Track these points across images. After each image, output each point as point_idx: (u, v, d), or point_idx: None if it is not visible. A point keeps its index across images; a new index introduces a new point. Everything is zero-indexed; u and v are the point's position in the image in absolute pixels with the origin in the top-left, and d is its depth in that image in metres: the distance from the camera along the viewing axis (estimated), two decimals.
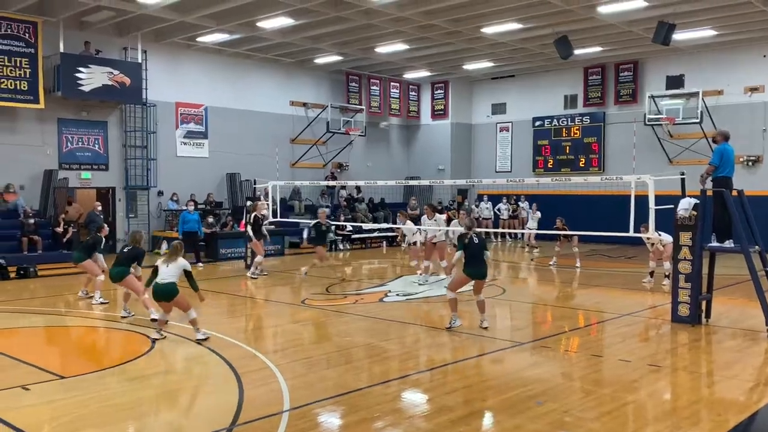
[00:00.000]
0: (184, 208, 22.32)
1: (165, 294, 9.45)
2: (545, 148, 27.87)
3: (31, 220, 18.13)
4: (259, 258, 16.85)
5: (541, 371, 8.22)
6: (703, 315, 11.04)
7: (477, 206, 27.67)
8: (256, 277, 16.43)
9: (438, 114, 30.15)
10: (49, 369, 8.13)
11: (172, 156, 22.94)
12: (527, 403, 6.87)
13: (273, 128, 25.46)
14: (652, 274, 15.36)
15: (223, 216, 22.76)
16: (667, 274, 14.81)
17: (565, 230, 17.73)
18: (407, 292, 14.20)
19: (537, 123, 28.08)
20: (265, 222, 19.20)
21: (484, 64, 26.58)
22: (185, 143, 23.39)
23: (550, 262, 18.87)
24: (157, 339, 9.57)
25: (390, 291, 14.33)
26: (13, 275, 16.26)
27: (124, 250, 11.37)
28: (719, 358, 9.11)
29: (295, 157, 26.29)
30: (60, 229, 18.96)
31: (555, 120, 27.61)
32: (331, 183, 25.00)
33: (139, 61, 21.50)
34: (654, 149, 24.53)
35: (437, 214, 15.59)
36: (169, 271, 9.47)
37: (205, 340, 9.48)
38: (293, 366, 8.32)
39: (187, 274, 9.58)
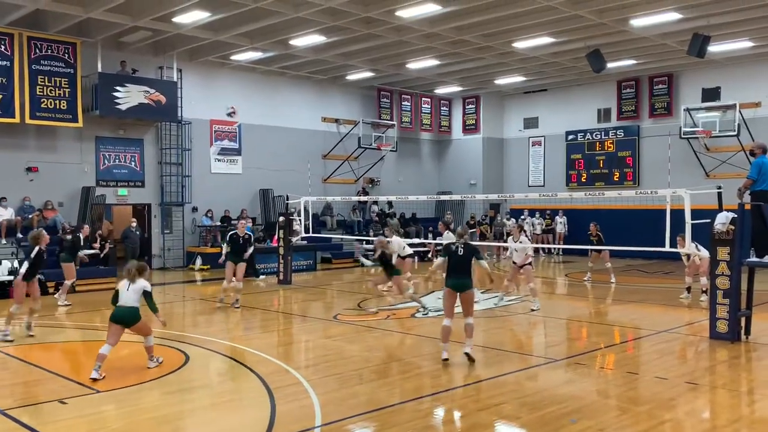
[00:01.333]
0: (218, 224, 22.59)
1: (127, 319, 8.66)
2: (578, 162, 27.63)
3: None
4: (225, 284, 14.45)
5: (575, 388, 8.10)
6: (743, 331, 10.80)
7: (509, 220, 27.48)
8: (237, 307, 14.17)
9: (469, 129, 30.11)
10: (86, 383, 8.25)
11: (206, 172, 23.23)
12: (562, 421, 6.78)
13: (305, 144, 25.66)
14: (689, 289, 15.09)
15: (255, 231, 22.93)
16: (704, 289, 14.55)
17: (599, 237, 17.54)
18: (439, 307, 14.09)
19: (570, 137, 27.88)
20: (297, 238, 19.37)
21: (516, 79, 26.51)
22: (219, 159, 23.68)
23: (584, 278, 18.67)
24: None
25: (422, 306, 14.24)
26: (51, 290, 16.57)
27: (31, 255, 11.18)
28: (760, 375, 8.89)
29: (327, 172, 26.45)
30: (97, 245, 19.28)
31: (588, 134, 27.38)
32: (363, 198, 25.07)
33: (175, 79, 21.88)
34: (690, 163, 24.16)
35: (447, 231, 15.82)
36: (130, 295, 8.73)
37: (159, 365, 9.00)
38: (325, 381, 8.32)
39: (147, 294, 8.84)
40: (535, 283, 14.51)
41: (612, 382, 8.47)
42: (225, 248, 14.60)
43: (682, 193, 11.17)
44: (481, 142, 29.75)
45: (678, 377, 8.52)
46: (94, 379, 8.25)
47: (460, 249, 9.27)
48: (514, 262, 14.48)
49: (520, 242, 14.17)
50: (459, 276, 9.18)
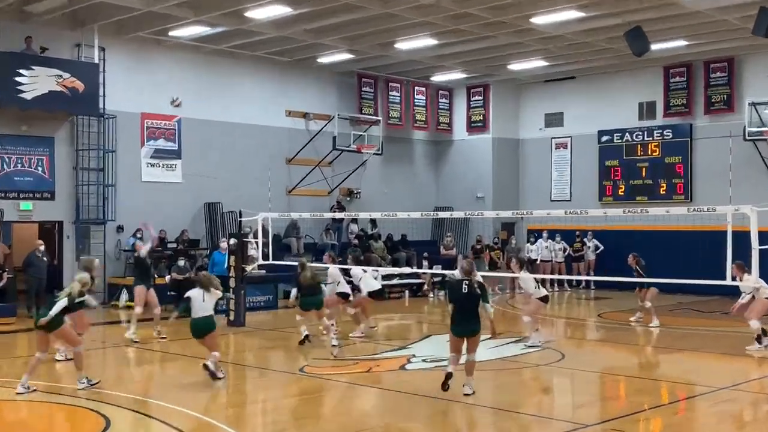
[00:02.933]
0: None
1: (204, 328, 11.69)
2: (615, 171, 27.74)
3: None
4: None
5: None
6: None
7: (533, 244, 27.44)
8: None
9: (475, 127, 30.21)
10: None
11: (135, 181, 23.07)
12: None
13: (264, 145, 25.57)
14: (759, 337, 15.05)
15: (199, 258, 22.80)
16: (756, 335, 14.66)
17: (639, 272, 17.67)
18: (437, 356, 14.06)
19: (604, 138, 28.04)
20: (253, 266, 19.30)
21: (535, 64, 26.66)
22: (152, 164, 23.58)
23: (632, 318, 18.74)
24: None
25: (414, 355, 14.25)
26: None
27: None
28: None
29: (292, 181, 26.40)
30: None
31: (627, 134, 27.51)
32: (339, 215, 25.01)
33: (96, 61, 21.74)
34: (757, 171, 24.37)
35: (333, 265, 16.99)
36: (206, 305, 11.72)
37: (222, 378, 11.79)
38: None
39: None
40: (536, 317, 15.25)
41: None
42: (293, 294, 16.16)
43: (746, 210, 11.26)
44: (490, 143, 29.81)
45: None
46: (218, 378, 11.61)
47: (465, 287, 9.96)
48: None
49: (522, 277, 15.29)
50: (466, 321, 10.07)
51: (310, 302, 15.30)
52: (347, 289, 16.99)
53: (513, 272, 15.64)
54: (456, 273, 17.45)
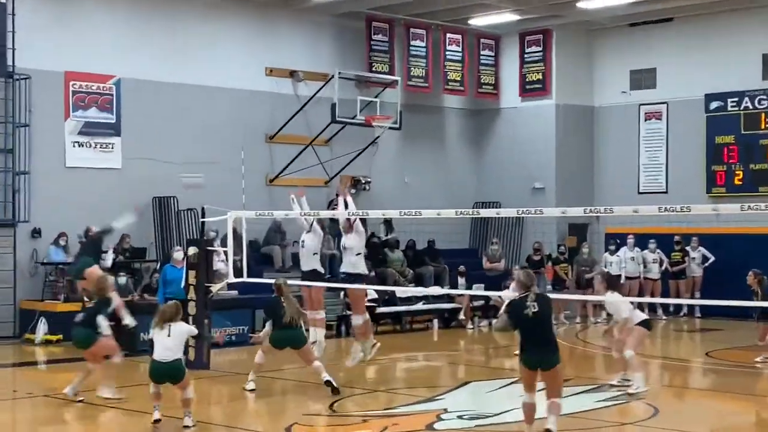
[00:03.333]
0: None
1: (171, 375, 12.12)
2: (729, 151, 27.67)
3: None
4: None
5: None
6: None
7: (613, 254, 27.39)
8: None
9: (532, 90, 30.21)
10: None
11: (57, 167, 23.13)
12: None
13: (237, 117, 25.63)
14: None
15: (146, 273, 22.88)
16: None
17: (760, 293, 17.83)
18: (477, 411, 14.11)
19: (713, 105, 27.99)
20: (221, 285, 19.34)
21: (616, 1, 26.73)
22: (81, 144, 23.67)
23: (758, 358, 18.78)
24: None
25: (446, 410, 14.22)
26: None
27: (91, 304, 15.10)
28: None
29: (274, 167, 26.46)
30: None
31: (747, 99, 27.45)
32: (340, 213, 25.04)
33: (2, 0, 21.96)
34: None
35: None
36: (172, 343, 12.12)
37: (193, 426, 12.30)
38: None
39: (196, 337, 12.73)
40: (636, 350, 15.31)
41: None
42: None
43: None
44: (553, 113, 29.83)
45: None
46: (157, 421, 12.19)
47: (530, 306, 10.54)
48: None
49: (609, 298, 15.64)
50: (538, 347, 10.80)
51: (285, 337, 15.36)
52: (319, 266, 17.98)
53: (597, 294, 16.10)
54: (505, 294, 17.64)
